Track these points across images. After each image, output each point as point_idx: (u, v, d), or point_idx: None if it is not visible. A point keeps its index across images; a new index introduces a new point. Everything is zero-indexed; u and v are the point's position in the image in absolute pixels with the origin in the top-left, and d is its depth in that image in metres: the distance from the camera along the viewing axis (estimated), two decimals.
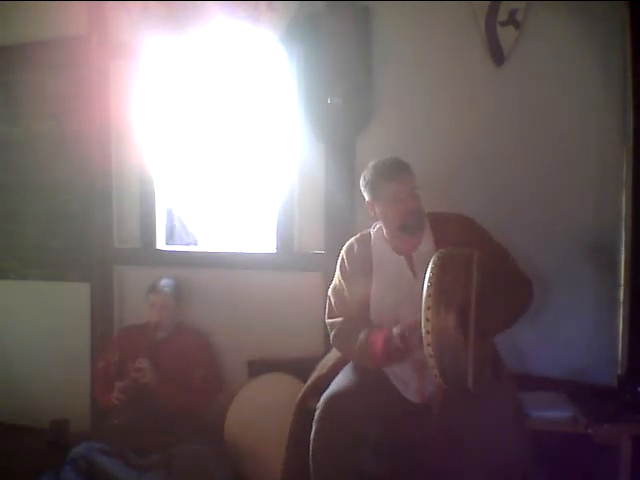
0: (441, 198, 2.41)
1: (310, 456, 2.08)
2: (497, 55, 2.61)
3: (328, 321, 2.24)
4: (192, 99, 3.14)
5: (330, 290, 2.27)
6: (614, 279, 2.53)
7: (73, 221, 3.20)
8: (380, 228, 2.21)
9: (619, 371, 2.44)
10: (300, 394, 2.34)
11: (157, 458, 2.42)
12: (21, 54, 3.17)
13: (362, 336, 2.09)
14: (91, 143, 3.11)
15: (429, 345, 1.76)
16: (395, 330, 2.01)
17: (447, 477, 2.00)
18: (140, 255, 3.14)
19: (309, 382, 2.37)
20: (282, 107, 2.95)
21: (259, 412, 2.73)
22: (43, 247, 3.26)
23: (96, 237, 3.14)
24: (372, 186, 2.11)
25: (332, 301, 2.25)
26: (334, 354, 2.37)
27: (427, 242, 2.13)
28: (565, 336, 2.58)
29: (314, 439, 2.07)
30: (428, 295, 1.78)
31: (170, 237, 3.21)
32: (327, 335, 2.59)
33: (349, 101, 2.74)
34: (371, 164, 2.14)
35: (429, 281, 1.79)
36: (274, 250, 2.97)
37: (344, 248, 2.28)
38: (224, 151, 3.16)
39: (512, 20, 2.57)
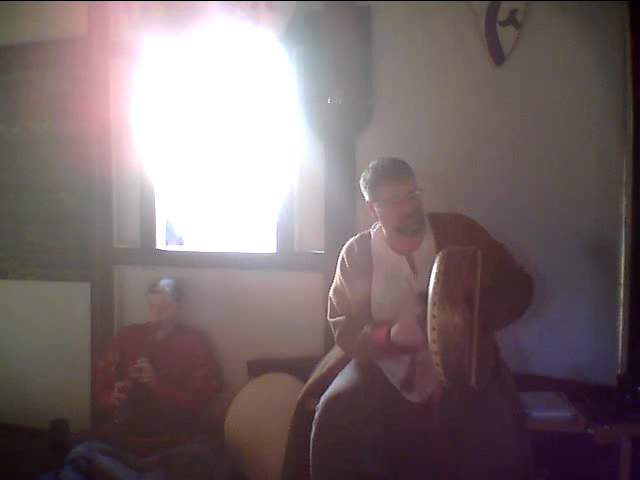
0: (441, 198, 2.42)
1: (310, 456, 2.08)
2: (497, 55, 2.61)
3: (331, 320, 2.25)
4: (192, 99, 3.14)
5: (331, 291, 2.28)
6: (614, 279, 2.53)
7: (73, 221, 3.20)
8: (380, 228, 2.21)
9: (619, 371, 2.44)
10: (300, 394, 2.34)
11: (157, 458, 2.42)
12: (21, 54, 3.17)
13: (366, 329, 2.09)
14: (91, 143, 3.11)
15: (434, 342, 1.76)
16: (399, 321, 2.01)
17: (447, 477, 2.00)
18: (140, 255, 3.13)
19: (309, 382, 2.38)
20: (282, 107, 2.95)
21: (259, 412, 2.73)
22: (43, 247, 3.26)
23: (96, 237, 3.14)
24: (371, 187, 2.10)
25: (334, 301, 2.25)
26: (334, 354, 2.38)
27: (428, 242, 2.13)
28: (565, 336, 2.58)
29: (314, 439, 2.07)
30: (434, 292, 1.78)
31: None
32: (327, 335, 2.61)
33: (349, 101, 2.74)
34: (371, 164, 2.14)
35: (435, 278, 1.79)
36: (274, 250, 2.97)
37: (344, 248, 2.28)
38: (224, 151, 3.15)
39: (512, 20, 2.57)
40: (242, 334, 2.98)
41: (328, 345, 2.65)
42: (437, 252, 1.92)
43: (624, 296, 2.50)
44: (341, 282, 2.23)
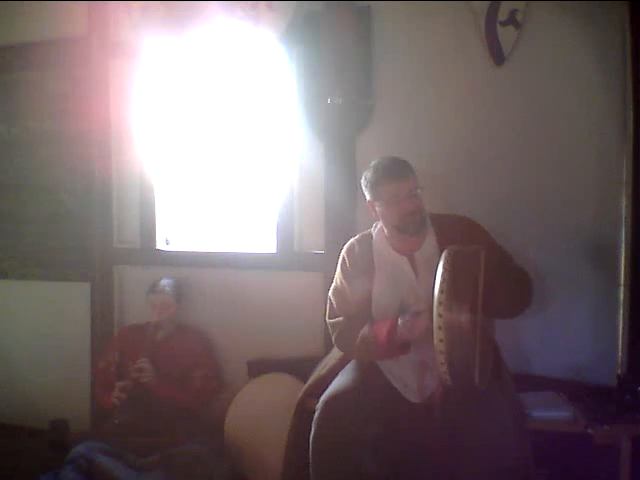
0: (441, 198, 2.42)
1: (310, 456, 2.08)
2: (497, 55, 2.60)
3: (330, 321, 2.24)
4: (192, 99, 3.14)
5: (331, 290, 2.27)
6: (614, 279, 2.53)
7: (73, 221, 3.20)
8: (381, 228, 2.21)
9: (619, 371, 2.44)
10: (300, 394, 2.34)
11: (157, 458, 2.42)
12: (21, 54, 3.17)
13: (366, 328, 2.08)
14: (91, 143, 3.11)
15: (441, 341, 1.76)
16: (401, 319, 2.00)
17: (447, 477, 2.00)
18: (140, 255, 3.14)
19: (309, 382, 2.38)
20: (282, 107, 2.95)
21: (259, 412, 2.73)
22: (43, 247, 3.26)
23: (96, 237, 3.14)
24: (372, 186, 2.10)
25: (333, 301, 2.24)
26: (334, 355, 2.38)
27: (430, 242, 2.13)
28: (565, 336, 2.58)
29: (313, 439, 2.07)
30: (441, 291, 1.78)
31: None
32: (327, 335, 2.60)
33: (349, 101, 2.74)
34: (372, 163, 2.14)
35: (442, 277, 1.79)
36: (274, 250, 2.97)
37: (344, 248, 2.27)
38: (224, 151, 3.15)
39: (512, 20, 2.57)
40: (242, 334, 2.98)
41: (328, 345, 2.65)
42: (439, 253, 1.92)
43: (624, 296, 2.50)
44: (341, 282, 2.23)
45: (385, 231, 2.18)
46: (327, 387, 2.16)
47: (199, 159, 3.19)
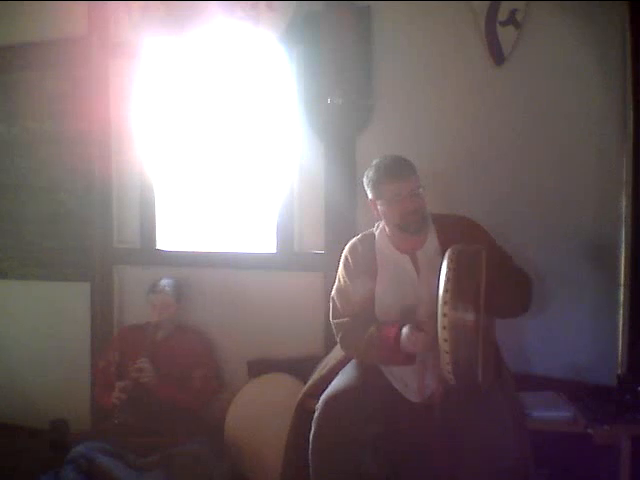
0: (441, 198, 2.42)
1: (310, 456, 2.08)
2: (497, 55, 2.60)
3: (334, 321, 2.23)
4: (192, 99, 3.14)
5: (334, 291, 2.27)
6: (614, 279, 2.53)
7: (73, 221, 3.20)
8: (383, 227, 2.21)
9: (619, 371, 2.44)
10: (300, 394, 2.34)
11: (157, 458, 2.42)
12: (21, 54, 3.18)
13: (372, 329, 2.07)
14: (91, 143, 3.11)
15: (446, 340, 1.76)
16: (405, 330, 2.00)
17: (447, 477, 2.00)
18: (140, 255, 3.14)
19: (309, 382, 2.37)
20: (282, 107, 2.95)
21: (259, 412, 2.73)
22: (43, 247, 3.26)
23: (96, 237, 3.14)
24: (374, 185, 2.10)
25: (337, 302, 2.24)
26: (335, 355, 2.37)
27: (432, 242, 2.13)
28: (565, 336, 2.58)
29: (313, 439, 2.07)
30: (445, 290, 1.77)
31: None
32: (327, 335, 2.61)
33: (349, 101, 2.74)
34: (374, 162, 2.14)
35: (446, 276, 1.79)
36: (274, 250, 2.97)
37: (347, 248, 2.27)
38: (224, 151, 3.15)
39: (512, 20, 2.57)
40: (242, 334, 2.98)
41: (328, 345, 2.65)
42: (441, 252, 1.93)
43: (624, 296, 2.50)
44: (345, 282, 2.22)
45: (387, 230, 2.18)
46: (327, 387, 2.16)
47: (199, 159, 3.19)
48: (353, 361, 2.26)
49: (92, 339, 3.15)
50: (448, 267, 1.80)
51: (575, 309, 2.59)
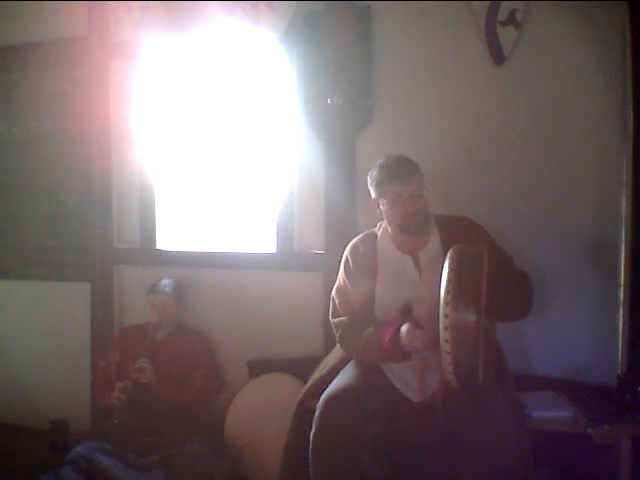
0: (441, 198, 2.41)
1: (310, 456, 2.08)
2: (497, 55, 2.60)
3: (333, 321, 2.24)
4: (192, 99, 3.14)
5: (334, 290, 2.27)
6: (614, 279, 2.53)
7: (73, 221, 3.20)
8: (386, 227, 2.21)
9: (619, 371, 2.44)
10: (301, 394, 2.34)
11: (157, 458, 2.42)
12: (21, 54, 3.17)
13: (370, 330, 2.08)
14: (91, 143, 3.11)
15: (447, 341, 1.76)
16: (404, 328, 2.00)
17: (447, 477, 2.00)
18: (140, 255, 3.14)
19: (310, 382, 2.37)
20: (282, 107, 2.95)
21: (259, 412, 2.73)
22: (43, 247, 3.26)
23: (96, 237, 3.14)
24: (377, 185, 2.11)
25: (336, 301, 2.25)
26: (335, 355, 2.37)
27: (434, 242, 2.14)
28: (565, 336, 2.58)
29: (314, 439, 2.07)
30: (447, 291, 1.77)
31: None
32: (327, 335, 2.60)
33: (349, 101, 2.74)
34: (378, 162, 2.14)
35: (448, 277, 1.79)
36: (274, 250, 2.97)
37: (348, 248, 2.27)
38: (224, 151, 3.15)
39: (512, 20, 2.57)
40: (242, 334, 2.98)
41: (328, 345, 2.65)
42: (443, 252, 1.93)
43: (624, 296, 2.50)
44: (344, 281, 2.23)
45: (389, 230, 2.18)
46: (328, 387, 2.16)
47: (199, 159, 3.19)
48: (354, 361, 2.26)
49: (92, 339, 3.15)
50: (450, 267, 1.80)
51: (575, 309, 2.59)
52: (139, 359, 2.62)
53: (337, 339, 2.23)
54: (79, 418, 3.05)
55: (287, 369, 2.83)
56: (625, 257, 2.49)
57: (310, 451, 2.07)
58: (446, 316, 1.76)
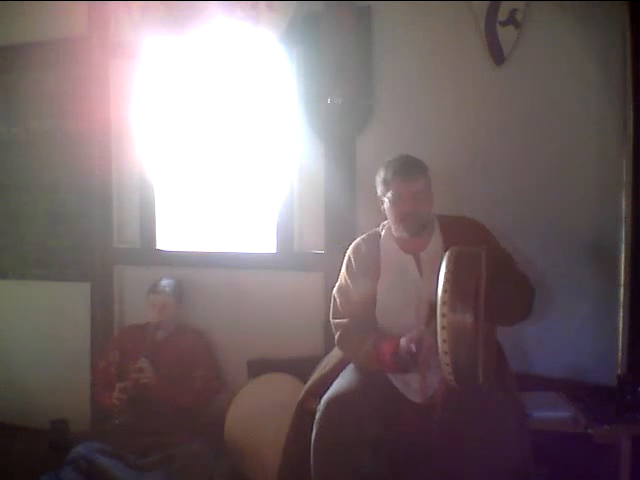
0: (441, 198, 2.41)
1: (311, 457, 2.07)
2: (497, 55, 2.60)
3: (333, 321, 2.24)
4: (192, 99, 3.14)
5: (335, 289, 2.27)
6: (614, 279, 2.53)
7: (73, 221, 3.20)
8: (389, 227, 2.21)
9: (619, 371, 2.44)
10: (301, 394, 2.33)
11: (157, 458, 2.42)
12: (21, 54, 3.18)
13: (369, 343, 2.08)
14: (91, 143, 3.11)
15: (445, 342, 1.76)
16: (403, 341, 2.01)
17: (448, 477, 2.00)
18: (140, 255, 3.14)
19: (310, 382, 2.37)
20: (282, 107, 2.95)
21: (259, 412, 2.73)
22: (43, 247, 3.26)
23: (96, 237, 3.14)
24: (381, 182, 2.13)
25: (337, 301, 2.25)
26: (335, 354, 2.37)
27: (436, 243, 2.14)
28: (565, 336, 2.58)
29: (315, 440, 2.06)
30: (444, 291, 1.77)
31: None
32: (327, 335, 2.60)
33: (349, 101, 2.74)
34: (387, 159, 2.15)
35: (445, 277, 1.79)
36: (274, 250, 2.97)
37: (351, 247, 2.28)
38: (224, 151, 3.15)
39: (512, 20, 2.57)
40: (242, 334, 2.98)
41: (328, 345, 2.65)
42: (444, 253, 1.92)
43: (624, 296, 2.50)
44: (346, 281, 2.23)
45: (393, 229, 2.18)
46: (329, 386, 2.16)
47: (199, 159, 3.19)
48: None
49: (92, 339, 3.15)
50: (447, 268, 1.81)
51: (575, 309, 2.59)
52: (139, 359, 2.62)
53: (336, 340, 2.23)
54: (79, 418, 3.05)
55: (287, 369, 2.83)
56: (625, 257, 2.49)
57: (312, 453, 2.07)
58: (443, 316, 1.76)
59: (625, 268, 2.49)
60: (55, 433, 2.95)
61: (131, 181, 3.13)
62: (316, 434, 2.06)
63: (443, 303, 1.77)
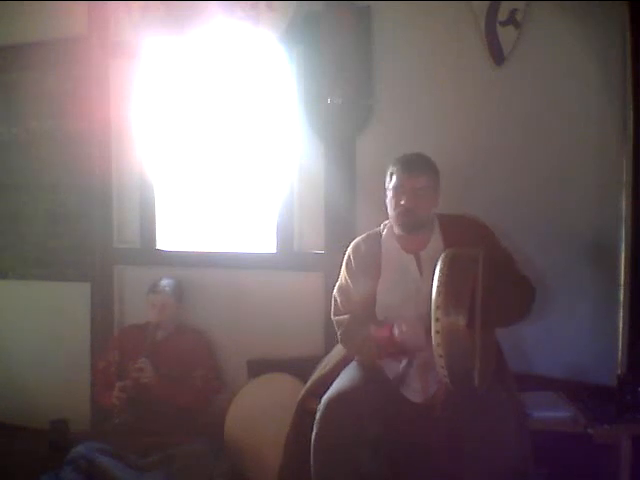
0: (441, 198, 2.41)
1: (312, 457, 2.07)
2: (497, 55, 2.60)
3: (335, 319, 2.25)
4: (192, 99, 3.14)
5: (336, 289, 2.28)
6: (614, 279, 2.53)
7: (73, 221, 3.20)
8: (391, 227, 2.21)
9: (619, 371, 2.44)
10: (301, 394, 2.33)
11: (157, 458, 2.42)
12: (21, 54, 3.18)
13: (368, 330, 2.09)
14: (91, 143, 3.11)
15: (439, 345, 1.76)
16: (397, 327, 2.01)
17: (448, 477, 2.00)
18: (140, 255, 3.14)
19: (310, 382, 2.37)
20: (282, 107, 2.95)
21: (259, 412, 2.73)
22: (43, 247, 3.26)
23: (96, 237, 3.15)
24: (389, 173, 2.14)
25: (338, 299, 2.25)
26: (336, 354, 2.37)
27: (436, 242, 2.14)
28: (565, 336, 2.58)
29: (315, 440, 2.06)
30: (438, 294, 1.77)
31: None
32: (327, 335, 2.61)
33: (349, 101, 2.74)
34: (402, 154, 2.16)
35: (439, 280, 1.79)
36: (274, 250, 2.97)
37: (351, 246, 2.28)
38: (224, 151, 3.15)
39: (512, 20, 2.57)
40: (242, 334, 2.98)
41: (328, 345, 2.65)
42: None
43: (624, 296, 2.49)
44: (346, 280, 2.23)
45: (394, 229, 2.18)
46: (329, 386, 2.16)
47: (199, 159, 3.19)
48: (355, 361, 2.26)
49: (92, 339, 3.15)
50: (441, 272, 1.80)
51: (575, 309, 2.59)
52: (139, 359, 2.62)
53: (338, 337, 2.24)
54: (79, 418, 3.05)
55: (287, 369, 2.83)
56: (625, 257, 2.49)
57: (312, 453, 2.06)
58: (437, 320, 1.76)
59: (625, 268, 2.49)
60: (55, 433, 2.95)
61: (131, 181, 3.13)
62: (316, 434, 2.06)
63: (437, 307, 1.77)
